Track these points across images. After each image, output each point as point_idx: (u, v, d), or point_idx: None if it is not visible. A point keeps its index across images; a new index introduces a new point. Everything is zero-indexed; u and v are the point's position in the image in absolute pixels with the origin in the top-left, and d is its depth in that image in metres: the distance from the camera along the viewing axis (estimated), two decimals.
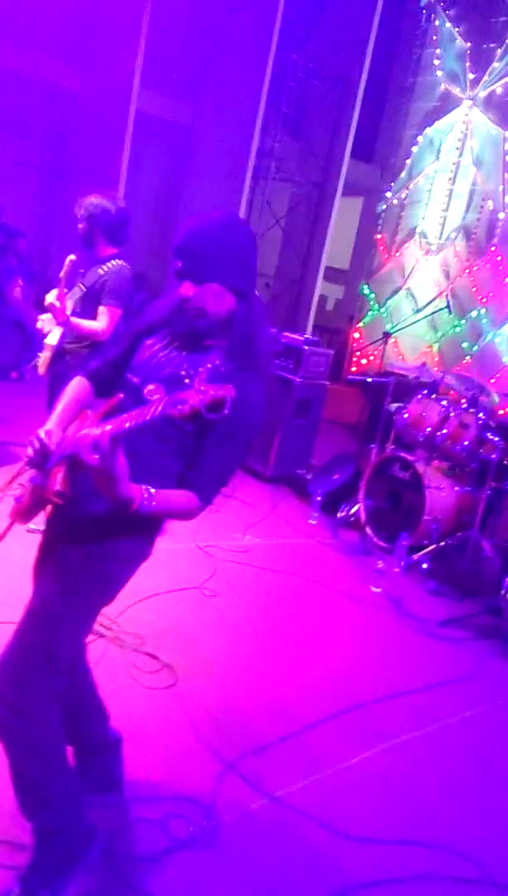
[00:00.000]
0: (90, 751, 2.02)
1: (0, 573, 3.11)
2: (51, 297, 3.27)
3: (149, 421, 1.34)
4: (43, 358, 3.53)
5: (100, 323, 3.37)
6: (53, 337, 3.47)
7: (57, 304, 3.25)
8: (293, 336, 5.82)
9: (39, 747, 1.64)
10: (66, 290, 3.32)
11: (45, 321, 3.48)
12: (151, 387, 1.51)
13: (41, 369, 3.54)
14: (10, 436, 4.81)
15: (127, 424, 1.37)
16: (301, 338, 5.79)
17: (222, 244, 1.58)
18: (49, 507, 1.71)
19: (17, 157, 9.42)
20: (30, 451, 1.64)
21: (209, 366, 1.56)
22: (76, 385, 1.83)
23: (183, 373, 1.60)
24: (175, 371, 1.63)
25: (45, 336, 3.56)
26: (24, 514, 1.73)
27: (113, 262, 3.42)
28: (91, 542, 1.66)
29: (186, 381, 1.58)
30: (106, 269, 3.41)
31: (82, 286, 3.46)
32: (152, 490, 1.49)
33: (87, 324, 3.36)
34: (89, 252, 3.51)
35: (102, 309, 3.37)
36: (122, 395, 1.55)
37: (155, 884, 1.88)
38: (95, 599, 1.70)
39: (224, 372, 1.56)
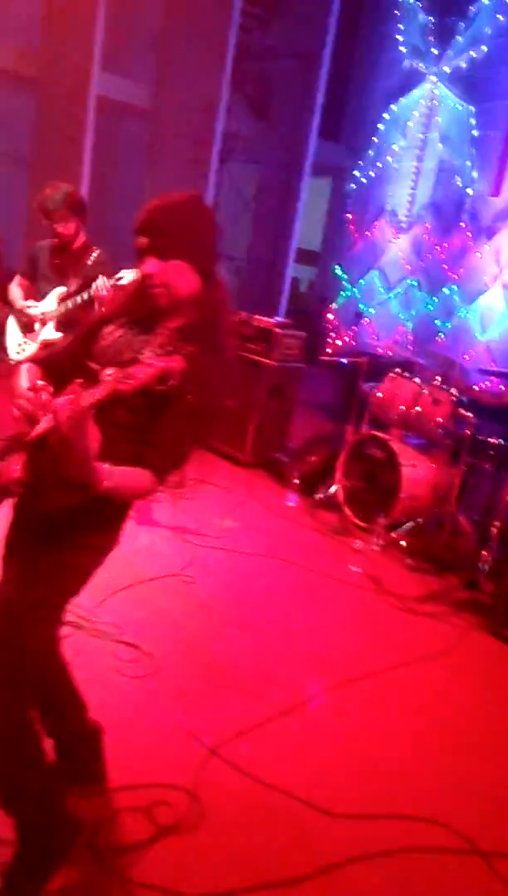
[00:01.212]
0: (69, 743, 2.00)
1: None
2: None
3: (103, 399, 1.33)
4: (28, 349, 3.53)
5: None
6: (49, 332, 3.48)
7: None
8: (265, 319, 5.80)
9: (14, 742, 1.63)
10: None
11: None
12: (109, 370, 1.49)
13: (20, 358, 3.52)
14: None
15: (85, 402, 1.36)
16: (273, 321, 5.76)
17: (187, 222, 1.57)
18: (13, 499, 1.68)
19: None
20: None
21: (159, 344, 1.53)
22: (27, 370, 1.77)
23: (142, 358, 1.58)
24: (135, 355, 1.61)
25: (32, 326, 3.58)
26: None
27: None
28: (56, 534, 1.63)
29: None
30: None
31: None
32: (111, 469, 1.46)
33: None
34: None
35: None
36: (80, 381, 1.53)
37: (142, 872, 1.88)
38: (63, 591, 1.68)
39: (172, 348, 1.52)
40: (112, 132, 9.58)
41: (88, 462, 1.40)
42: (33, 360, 1.82)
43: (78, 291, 3.50)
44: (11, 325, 3.76)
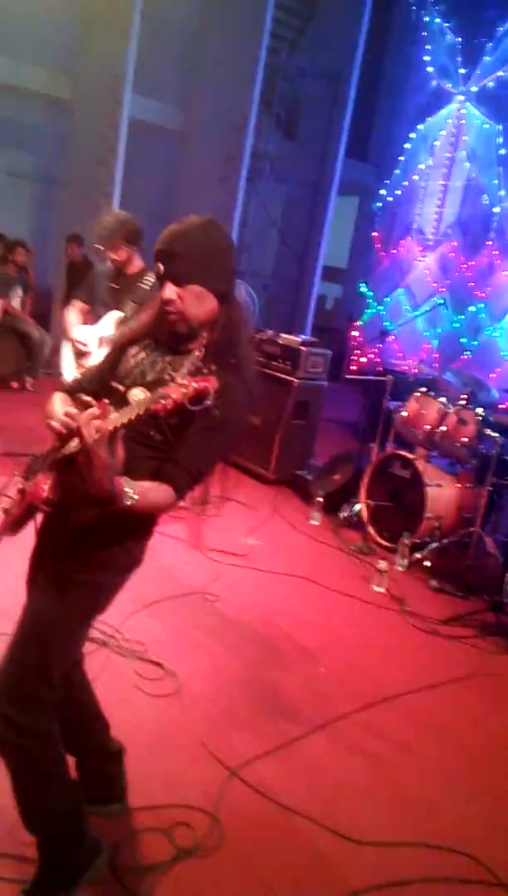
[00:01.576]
0: (91, 762, 2.01)
1: (3, 585, 3.12)
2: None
3: (136, 419, 1.37)
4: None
5: None
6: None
7: None
8: (291, 337, 5.82)
9: (39, 761, 1.64)
10: None
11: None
12: (136, 391, 1.55)
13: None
14: (11, 446, 4.82)
15: (118, 423, 1.39)
16: (299, 338, 5.79)
17: (202, 246, 1.60)
18: (39, 519, 1.71)
19: (12, 168, 9.44)
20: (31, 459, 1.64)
21: (191, 364, 1.54)
22: (57, 400, 1.81)
23: (167, 377, 1.61)
24: (158, 376, 1.64)
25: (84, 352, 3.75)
26: (12, 525, 1.73)
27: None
28: (82, 553, 1.66)
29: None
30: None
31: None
32: (133, 483, 1.48)
33: None
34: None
35: None
36: (107, 401, 1.56)
37: (161, 893, 1.87)
38: (88, 610, 1.70)
39: (205, 370, 1.55)
40: (142, 153, 9.73)
41: (114, 479, 1.42)
42: (62, 388, 1.86)
43: (133, 316, 3.58)
44: (67, 349, 3.88)
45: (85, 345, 3.77)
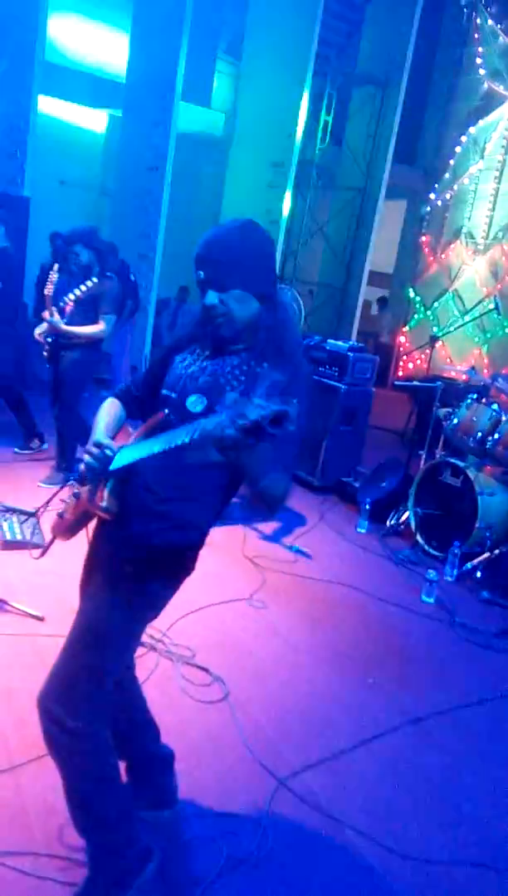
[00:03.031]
0: (142, 767, 2.02)
1: (55, 587, 3.17)
2: None
3: (206, 437, 1.29)
4: None
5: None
6: None
7: None
8: (338, 343, 5.79)
9: (90, 764, 1.65)
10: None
11: None
12: (193, 398, 1.57)
13: None
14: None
15: (188, 438, 1.33)
16: (346, 344, 5.75)
17: (241, 250, 1.59)
18: (94, 524, 1.73)
19: (63, 177, 9.64)
20: (83, 466, 1.64)
21: (266, 381, 1.42)
22: (109, 405, 1.84)
23: (222, 380, 1.61)
24: (210, 378, 1.64)
25: None
26: (66, 530, 1.75)
27: None
28: (136, 559, 1.66)
29: (226, 386, 1.58)
30: None
31: None
32: None
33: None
34: None
35: None
36: (166, 412, 1.57)
37: None
38: (141, 615, 1.71)
39: (275, 382, 1.44)
40: (191, 161, 9.83)
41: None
42: (113, 394, 1.88)
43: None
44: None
45: None
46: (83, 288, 4.31)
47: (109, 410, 1.83)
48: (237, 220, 1.65)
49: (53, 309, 4.32)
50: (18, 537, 3.64)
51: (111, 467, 1.59)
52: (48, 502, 1.99)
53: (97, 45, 9.05)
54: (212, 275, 1.59)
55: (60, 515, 1.79)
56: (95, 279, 4.34)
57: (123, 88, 8.65)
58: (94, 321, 4.41)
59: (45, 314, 4.35)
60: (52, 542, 1.82)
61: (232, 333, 1.64)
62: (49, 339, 4.48)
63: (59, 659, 1.64)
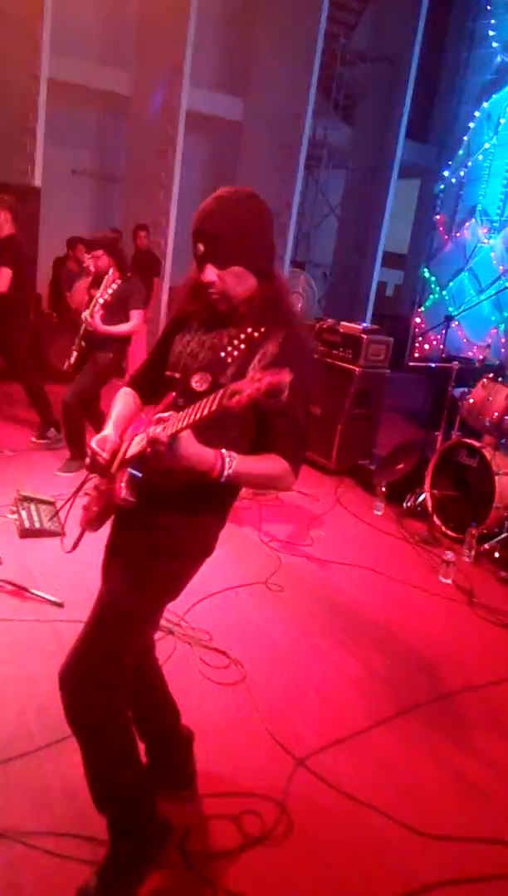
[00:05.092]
0: (162, 747, 2.04)
1: (74, 573, 3.20)
2: None
3: (208, 416, 1.34)
4: None
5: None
6: None
7: None
8: (352, 325, 5.75)
9: (111, 743, 1.67)
10: None
11: None
12: (196, 377, 1.57)
13: None
14: None
15: (185, 422, 1.39)
16: (359, 326, 5.71)
17: (240, 224, 1.56)
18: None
19: (73, 165, 9.63)
20: (87, 459, 1.68)
21: (261, 353, 1.38)
22: (122, 394, 1.86)
23: (222, 354, 1.59)
24: (211, 353, 1.64)
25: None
26: (93, 521, 1.77)
27: None
28: (156, 541, 1.68)
29: (227, 359, 1.57)
30: None
31: None
32: (234, 454, 1.48)
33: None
34: None
35: None
36: (173, 394, 1.58)
37: (230, 880, 1.89)
38: (161, 597, 1.72)
39: (270, 353, 1.39)
40: (200, 144, 9.76)
41: (195, 461, 1.45)
42: (127, 383, 1.90)
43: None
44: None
45: None
46: (109, 292, 4.44)
47: (122, 400, 1.85)
48: (235, 190, 1.61)
49: (94, 311, 4.45)
50: (37, 525, 3.68)
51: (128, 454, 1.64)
52: (74, 495, 1.99)
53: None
54: (212, 250, 1.57)
55: (86, 508, 1.81)
56: (118, 282, 4.47)
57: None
58: (122, 320, 4.49)
59: (84, 316, 4.48)
60: (81, 534, 1.84)
61: (228, 308, 1.63)
62: (82, 343, 4.57)
63: (80, 637, 1.66)
